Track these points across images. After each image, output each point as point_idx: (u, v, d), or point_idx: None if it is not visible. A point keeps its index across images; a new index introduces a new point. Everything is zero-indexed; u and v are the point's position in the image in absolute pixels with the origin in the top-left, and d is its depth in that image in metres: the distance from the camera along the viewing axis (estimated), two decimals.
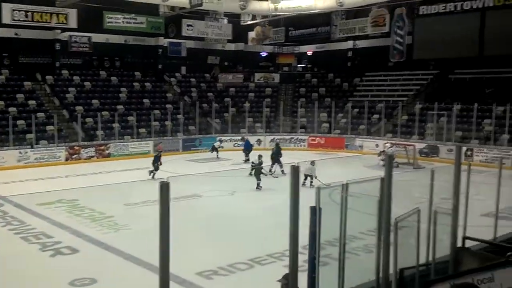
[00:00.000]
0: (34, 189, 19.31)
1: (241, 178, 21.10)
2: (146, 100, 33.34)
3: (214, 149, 28.58)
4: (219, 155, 28.15)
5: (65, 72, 32.60)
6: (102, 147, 27.93)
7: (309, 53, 42.89)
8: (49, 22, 30.82)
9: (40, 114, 28.08)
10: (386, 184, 5.22)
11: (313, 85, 38.21)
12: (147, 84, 34.98)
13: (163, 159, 22.04)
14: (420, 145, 27.62)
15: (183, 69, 38.33)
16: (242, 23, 37.82)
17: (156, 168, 21.10)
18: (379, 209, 5.36)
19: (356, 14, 36.76)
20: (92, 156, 27.40)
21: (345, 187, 5.47)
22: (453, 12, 32.11)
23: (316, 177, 18.29)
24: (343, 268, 5.57)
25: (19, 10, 29.61)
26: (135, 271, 10.53)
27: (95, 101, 31.25)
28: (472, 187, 6.93)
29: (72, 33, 32.76)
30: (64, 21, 31.15)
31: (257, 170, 19.85)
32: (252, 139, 29.14)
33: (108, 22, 33.34)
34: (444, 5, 32.41)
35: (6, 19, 29.36)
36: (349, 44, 39.06)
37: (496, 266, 4.04)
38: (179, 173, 22.26)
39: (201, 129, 32.67)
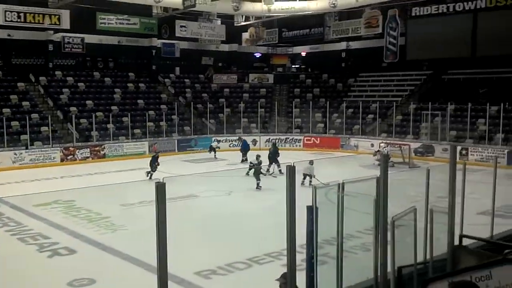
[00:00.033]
0: (30, 190, 19.29)
1: (237, 178, 21.15)
2: (140, 101, 33.31)
3: (212, 149, 28.66)
4: (216, 155, 28.22)
5: (58, 73, 32.53)
6: (97, 148, 27.90)
7: (303, 54, 43.01)
8: (42, 23, 30.69)
9: (34, 115, 28.02)
10: (382, 183, 5.27)
11: (308, 85, 38.29)
12: (141, 85, 34.94)
13: (159, 159, 22.05)
14: (415, 145, 27.76)
15: (177, 70, 38.29)
16: (235, 24, 37.85)
17: (154, 169, 21.11)
18: (376, 208, 5.41)
19: (349, 15, 36.93)
20: (87, 157, 27.37)
21: (341, 186, 5.51)
22: (446, 13, 32.33)
23: (314, 176, 18.39)
24: (341, 267, 5.59)
25: (12, 11, 29.49)
26: (134, 271, 10.56)
27: (89, 102, 31.19)
28: (467, 185, 7.00)
29: (65, 34, 32.67)
30: (57, 22, 31.03)
31: (256, 170, 19.87)
32: (248, 140, 29.20)
33: (101, 23, 33.27)
34: (436, 6, 32.61)
35: None
36: (343, 45, 39.18)
37: (493, 263, 4.08)
38: (175, 174, 22.26)
39: (196, 129, 32.69)
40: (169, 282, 3.80)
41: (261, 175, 19.73)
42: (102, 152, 27.97)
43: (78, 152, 27.14)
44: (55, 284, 10.08)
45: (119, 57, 36.50)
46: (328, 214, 5.54)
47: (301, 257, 5.11)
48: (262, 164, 20.98)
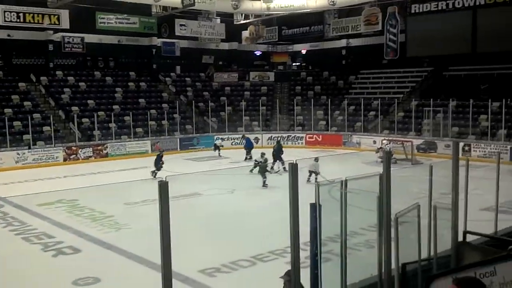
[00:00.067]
0: (33, 190, 19.32)
1: (240, 176, 21.16)
2: (141, 100, 33.34)
3: (216, 147, 28.75)
4: (220, 153, 28.28)
5: (59, 72, 32.57)
6: (100, 147, 27.94)
7: (303, 51, 43.01)
8: (41, 23, 30.77)
9: (36, 115, 28.08)
10: (384, 180, 5.29)
11: (308, 83, 38.29)
12: (142, 84, 34.97)
13: (163, 158, 22.06)
14: (417, 141, 27.71)
15: (178, 69, 38.30)
16: (235, 23, 37.86)
17: (159, 168, 21.15)
18: (379, 204, 5.42)
19: (348, 13, 36.94)
20: (90, 156, 27.41)
21: (344, 183, 5.53)
22: (445, 10, 32.32)
23: (320, 173, 18.44)
24: (345, 264, 5.60)
25: (11, 11, 29.52)
26: (138, 270, 10.59)
27: (90, 102, 31.24)
28: (470, 182, 7.01)
29: (64, 34, 32.75)
30: (56, 22, 31.10)
31: (261, 168, 19.87)
32: (250, 137, 29.21)
33: (101, 23, 33.34)
34: (436, 3, 32.62)
35: None
36: (343, 42, 39.21)
37: (498, 259, 4.08)
38: (177, 172, 22.30)
39: (198, 128, 32.73)
40: (173, 280, 3.82)
41: (266, 172, 19.74)
42: (104, 151, 28.02)
43: (81, 151, 27.18)
44: (60, 283, 10.11)
45: (119, 56, 36.53)
46: (332, 211, 5.55)
47: (305, 254, 5.14)
48: (267, 162, 20.97)
